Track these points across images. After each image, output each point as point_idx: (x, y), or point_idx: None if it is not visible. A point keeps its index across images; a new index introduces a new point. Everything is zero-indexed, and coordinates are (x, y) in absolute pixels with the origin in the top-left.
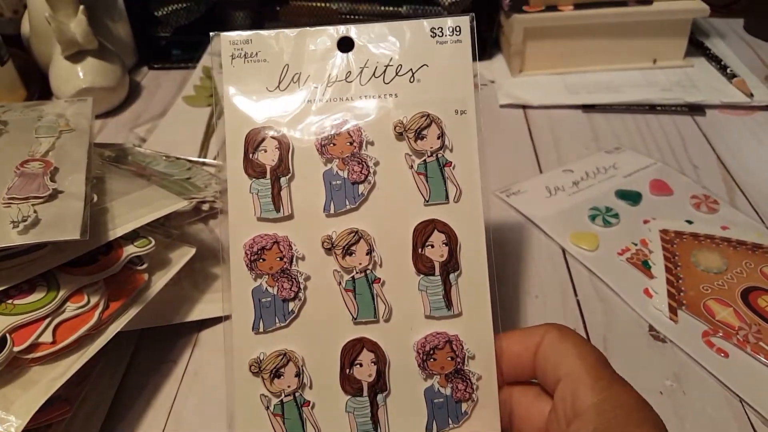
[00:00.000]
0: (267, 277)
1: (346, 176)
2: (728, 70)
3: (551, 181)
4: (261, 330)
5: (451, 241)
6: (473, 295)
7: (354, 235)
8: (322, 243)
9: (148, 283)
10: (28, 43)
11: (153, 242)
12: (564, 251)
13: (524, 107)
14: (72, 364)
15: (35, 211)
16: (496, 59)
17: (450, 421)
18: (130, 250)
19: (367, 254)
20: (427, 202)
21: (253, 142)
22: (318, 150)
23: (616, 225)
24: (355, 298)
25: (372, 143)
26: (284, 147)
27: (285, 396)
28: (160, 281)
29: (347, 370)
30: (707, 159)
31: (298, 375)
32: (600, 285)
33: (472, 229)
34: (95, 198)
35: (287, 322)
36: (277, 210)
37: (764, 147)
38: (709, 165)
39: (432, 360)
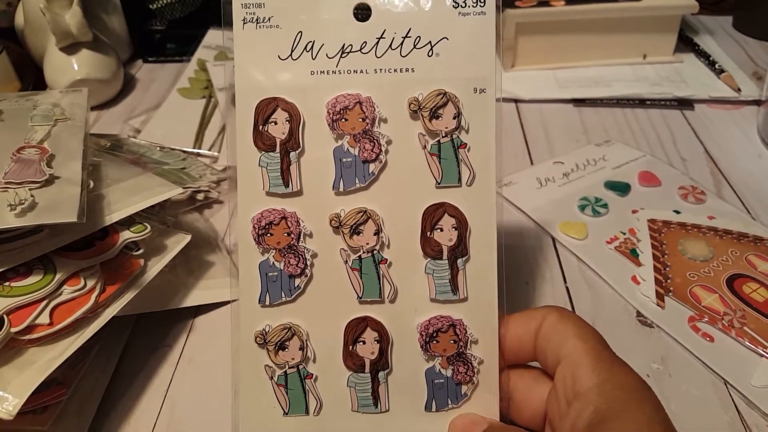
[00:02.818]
0: (274, 251)
1: (357, 154)
2: (716, 66)
3: (542, 173)
4: (267, 303)
5: (461, 225)
6: (480, 281)
7: (362, 215)
8: (330, 221)
9: (143, 269)
10: (22, 36)
11: (149, 228)
12: (554, 240)
13: (516, 101)
14: (69, 345)
15: (32, 196)
16: None
17: (449, 402)
18: (126, 235)
19: (374, 234)
20: (439, 184)
21: (263, 113)
22: (329, 125)
23: (605, 215)
24: (361, 278)
25: (385, 120)
26: (295, 120)
27: (289, 368)
28: (155, 267)
29: (350, 347)
30: (695, 152)
31: (302, 348)
32: (589, 272)
33: (483, 215)
34: (91, 184)
35: (293, 297)
36: (286, 185)
37: (751, 140)
38: (697, 157)
39: (435, 342)
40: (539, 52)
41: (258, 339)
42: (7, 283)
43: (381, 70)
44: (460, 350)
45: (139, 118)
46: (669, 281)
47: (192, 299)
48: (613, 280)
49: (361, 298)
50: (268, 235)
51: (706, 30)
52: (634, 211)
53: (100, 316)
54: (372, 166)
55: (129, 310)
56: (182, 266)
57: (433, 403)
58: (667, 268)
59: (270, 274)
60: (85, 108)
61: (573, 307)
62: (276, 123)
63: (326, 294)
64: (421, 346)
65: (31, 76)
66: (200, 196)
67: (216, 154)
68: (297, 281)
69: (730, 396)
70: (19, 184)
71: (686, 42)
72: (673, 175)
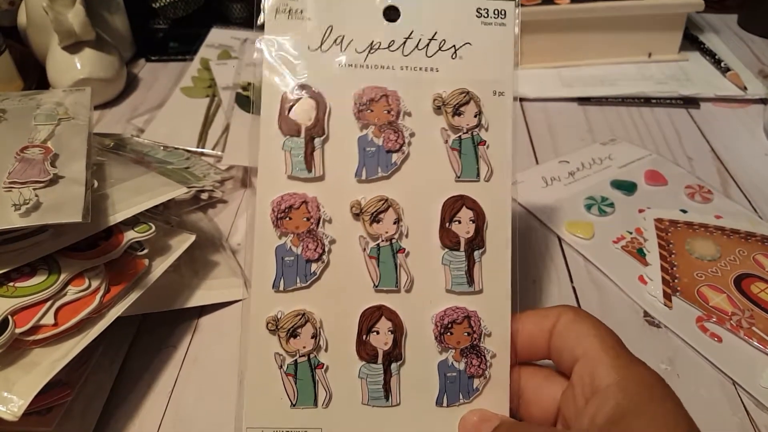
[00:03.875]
0: (292, 236)
1: (380, 144)
2: (722, 64)
3: (547, 172)
4: (281, 288)
5: (479, 218)
6: (495, 273)
7: (383, 203)
8: (351, 208)
9: (148, 269)
10: (25, 35)
11: (153, 228)
12: (560, 239)
13: (521, 100)
14: (73, 346)
15: (36, 195)
16: None
17: (460, 396)
18: (131, 235)
19: (394, 223)
20: (458, 178)
21: (289, 99)
22: (355, 115)
23: (611, 214)
24: (378, 266)
25: (409, 114)
26: (321, 108)
27: (299, 356)
28: (160, 267)
29: (364, 336)
30: (701, 150)
31: (314, 336)
32: (595, 272)
33: (499, 209)
34: (95, 184)
35: (308, 283)
36: (309, 170)
37: (757, 139)
38: (703, 156)
39: (449, 334)
40: (544, 50)
41: (270, 325)
42: (11, 284)
43: (407, 67)
44: (474, 342)
45: (143, 117)
46: (676, 281)
47: (196, 299)
48: (620, 279)
49: (377, 286)
50: (287, 219)
51: (712, 28)
52: (640, 211)
53: (104, 317)
54: (395, 156)
55: (133, 310)
56: (186, 266)
57: (445, 397)
58: (675, 268)
59: (286, 258)
60: (88, 107)
61: (580, 307)
62: (302, 109)
63: (342, 281)
64: (436, 338)
65: (34, 76)
66: (204, 196)
67: (219, 153)
68: (314, 267)
69: (739, 397)
70: (23, 184)
71: (691, 40)
72: (679, 174)
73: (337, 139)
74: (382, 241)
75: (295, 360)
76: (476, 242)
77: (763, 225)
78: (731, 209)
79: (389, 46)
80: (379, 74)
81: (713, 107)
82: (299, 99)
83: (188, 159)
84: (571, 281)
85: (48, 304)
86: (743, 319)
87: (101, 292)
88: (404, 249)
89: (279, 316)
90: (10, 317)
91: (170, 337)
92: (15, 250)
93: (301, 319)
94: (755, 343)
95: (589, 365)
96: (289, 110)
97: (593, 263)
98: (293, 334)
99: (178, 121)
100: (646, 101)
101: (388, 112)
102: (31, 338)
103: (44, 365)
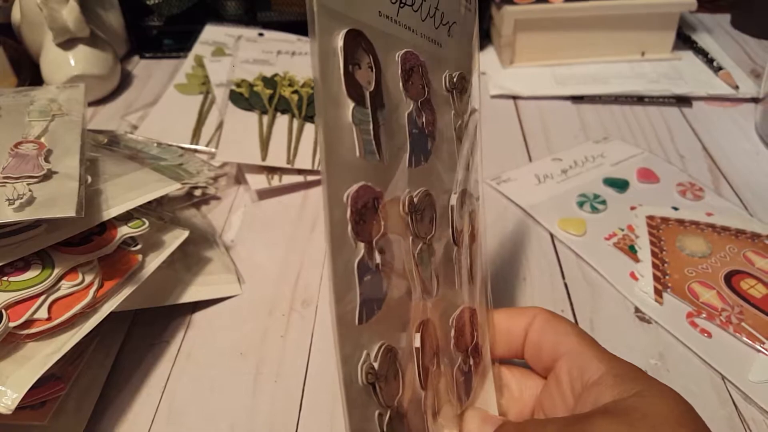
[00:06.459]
0: (366, 246)
1: (422, 124)
2: (714, 63)
3: (540, 170)
4: (365, 319)
5: (475, 212)
6: (478, 266)
7: (429, 198)
8: (404, 204)
9: (141, 264)
10: (19, 31)
11: (147, 223)
12: (552, 236)
13: (514, 98)
14: (67, 340)
15: (30, 190)
16: (487, 51)
17: (464, 397)
18: (124, 230)
19: (430, 222)
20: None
21: (351, 50)
22: (402, 84)
23: (603, 211)
24: (420, 273)
25: (433, 90)
26: (378, 67)
27: (395, 407)
28: (153, 262)
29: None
30: (693, 149)
31: (398, 376)
32: (587, 269)
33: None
34: (89, 179)
35: (381, 305)
36: (378, 153)
37: (748, 137)
38: (695, 154)
39: (461, 336)
40: (538, 48)
41: (369, 376)
42: (5, 278)
43: (423, 35)
44: (475, 341)
45: (137, 114)
46: (667, 277)
47: (190, 295)
48: (611, 276)
49: (421, 296)
50: (363, 222)
51: (704, 28)
52: (632, 208)
53: (98, 311)
54: (429, 142)
55: (127, 305)
56: (180, 262)
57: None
58: (666, 265)
59: (366, 278)
60: (82, 103)
61: (571, 304)
62: (360, 66)
63: (398, 295)
64: (455, 343)
65: (28, 72)
66: (198, 192)
67: (213, 150)
68: (385, 283)
69: (728, 391)
70: (17, 179)
71: (684, 39)
72: (671, 171)
73: (392, 113)
74: (424, 243)
75: (390, 415)
76: (474, 236)
77: (754, 222)
78: (722, 206)
79: (413, 5)
80: (408, 37)
81: (705, 106)
82: (357, 51)
83: (182, 156)
84: (563, 278)
85: (41, 298)
86: (733, 315)
87: (95, 287)
88: (435, 251)
89: (371, 358)
90: (3, 311)
91: (164, 332)
92: (9, 245)
93: (390, 355)
94: (744, 338)
95: (576, 360)
96: (352, 65)
97: (585, 260)
98: (386, 378)
99: (172, 117)
100: (639, 100)
101: (423, 86)
102: (25, 332)
103: (38, 359)
